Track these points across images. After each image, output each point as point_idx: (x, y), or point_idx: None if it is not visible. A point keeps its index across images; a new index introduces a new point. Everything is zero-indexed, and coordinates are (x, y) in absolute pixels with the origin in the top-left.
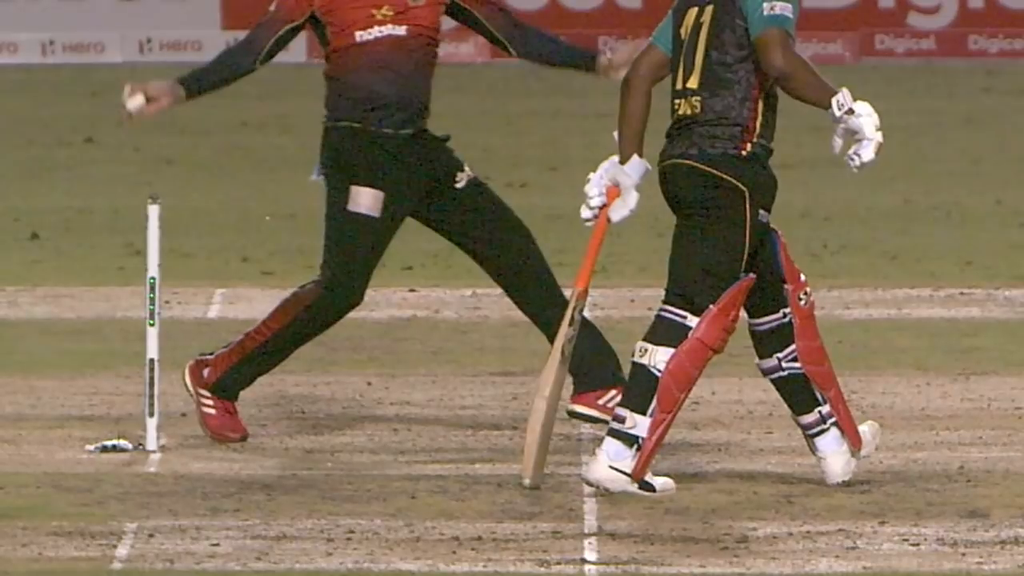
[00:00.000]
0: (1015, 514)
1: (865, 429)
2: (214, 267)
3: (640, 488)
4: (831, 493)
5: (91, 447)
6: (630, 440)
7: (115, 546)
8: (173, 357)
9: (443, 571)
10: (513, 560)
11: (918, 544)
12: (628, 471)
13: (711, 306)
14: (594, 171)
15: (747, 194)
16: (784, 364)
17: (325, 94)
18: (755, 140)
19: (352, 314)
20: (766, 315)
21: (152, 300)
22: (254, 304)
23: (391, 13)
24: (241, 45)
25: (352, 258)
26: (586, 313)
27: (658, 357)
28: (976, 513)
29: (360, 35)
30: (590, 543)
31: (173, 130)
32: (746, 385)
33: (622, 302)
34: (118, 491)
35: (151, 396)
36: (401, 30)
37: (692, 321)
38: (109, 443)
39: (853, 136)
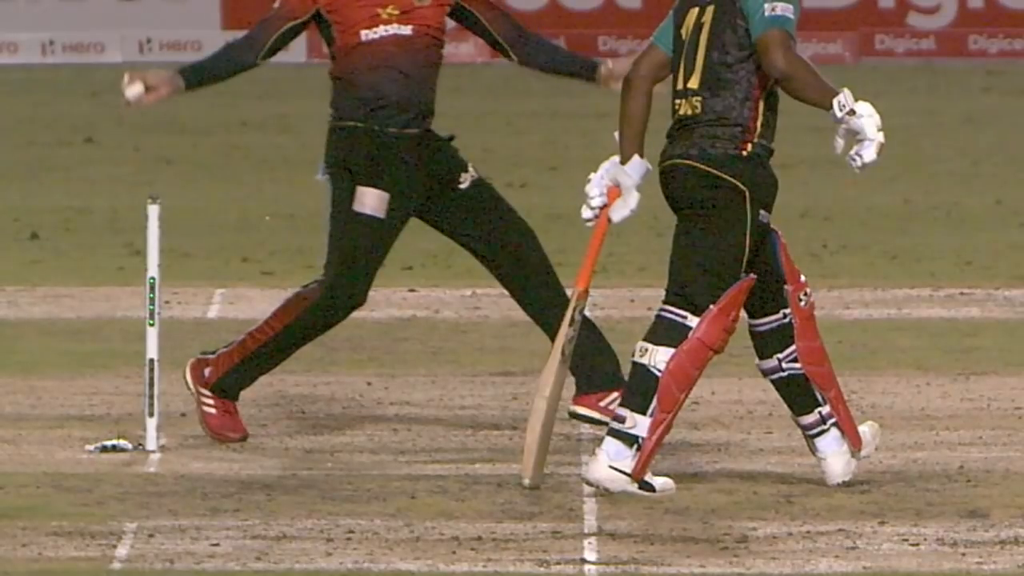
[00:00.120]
0: (1015, 514)
1: (865, 429)
2: (214, 267)
3: (640, 488)
4: (831, 493)
5: (91, 447)
6: (630, 440)
7: (115, 546)
8: (173, 357)
9: (443, 571)
10: (513, 560)
11: (918, 544)
12: (628, 471)
13: (711, 306)
14: (594, 171)
15: (747, 194)
16: (784, 365)
17: (331, 94)
18: (756, 140)
19: (352, 314)
20: (766, 316)
21: (152, 300)
22: (254, 304)
23: (396, 12)
24: (243, 40)
25: (355, 259)
26: (586, 313)
27: (658, 357)
28: (976, 513)
29: (365, 34)
30: (590, 543)
31: (173, 130)
32: (746, 385)
33: (622, 302)
34: (118, 491)
35: (151, 396)
36: (406, 30)
37: (692, 321)
38: (109, 443)
39: (855, 137)
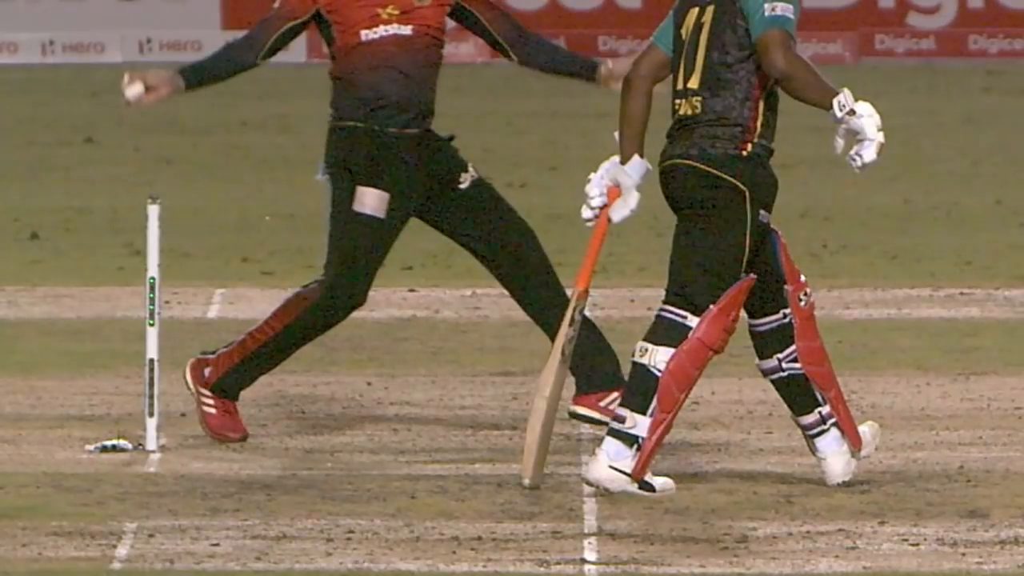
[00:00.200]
0: (1015, 514)
1: (865, 429)
2: (214, 267)
3: (640, 488)
4: (831, 493)
5: (91, 447)
6: (630, 440)
7: (115, 546)
8: (173, 357)
9: (443, 571)
10: (513, 560)
11: (918, 544)
12: (628, 471)
13: (711, 306)
14: (594, 171)
15: (747, 194)
16: (784, 365)
17: (331, 94)
18: (756, 140)
19: (352, 314)
20: (766, 316)
21: (152, 300)
22: (254, 304)
23: (396, 12)
24: (243, 40)
25: (355, 259)
26: (586, 313)
27: (658, 357)
28: (976, 513)
29: (365, 34)
30: (590, 543)
31: (173, 130)
32: (746, 385)
33: (622, 302)
34: (118, 491)
35: (151, 396)
36: (406, 30)
37: (692, 321)
38: (109, 443)
39: (855, 137)
